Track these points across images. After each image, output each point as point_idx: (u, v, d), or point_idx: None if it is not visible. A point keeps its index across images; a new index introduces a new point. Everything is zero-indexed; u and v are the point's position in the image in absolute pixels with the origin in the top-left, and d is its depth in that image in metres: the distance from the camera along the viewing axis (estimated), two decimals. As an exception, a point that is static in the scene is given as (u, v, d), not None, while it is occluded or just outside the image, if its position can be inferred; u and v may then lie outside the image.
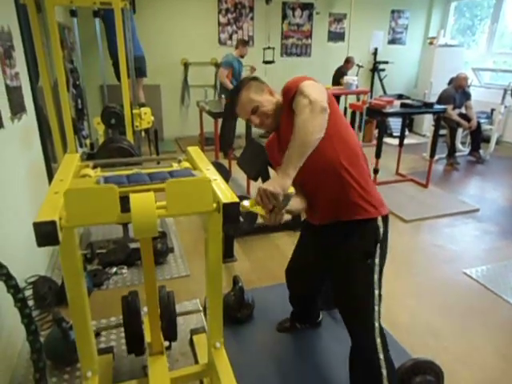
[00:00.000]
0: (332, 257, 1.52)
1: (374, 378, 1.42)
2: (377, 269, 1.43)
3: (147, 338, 1.64)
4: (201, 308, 2.25)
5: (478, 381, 1.83)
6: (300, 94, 1.29)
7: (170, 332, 1.60)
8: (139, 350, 1.59)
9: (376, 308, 1.44)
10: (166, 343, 1.64)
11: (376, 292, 1.44)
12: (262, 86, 1.51)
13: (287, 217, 1.41)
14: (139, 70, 4.96)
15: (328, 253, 1.54)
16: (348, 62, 6.32)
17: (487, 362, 1.94)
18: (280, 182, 1.20)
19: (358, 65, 6.62)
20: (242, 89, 1.49)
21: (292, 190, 1.24)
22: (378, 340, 1.43)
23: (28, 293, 1.98)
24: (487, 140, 5.47)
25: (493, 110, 5.98)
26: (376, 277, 1.44)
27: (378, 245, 1.43)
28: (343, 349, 1.61)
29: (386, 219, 1.46)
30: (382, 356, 1.42)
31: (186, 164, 1.47)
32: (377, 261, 1.43)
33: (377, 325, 1.44)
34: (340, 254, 1.49)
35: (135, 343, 1.54)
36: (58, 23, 3.01)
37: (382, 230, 1.44)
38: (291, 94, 1.35)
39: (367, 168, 1.49)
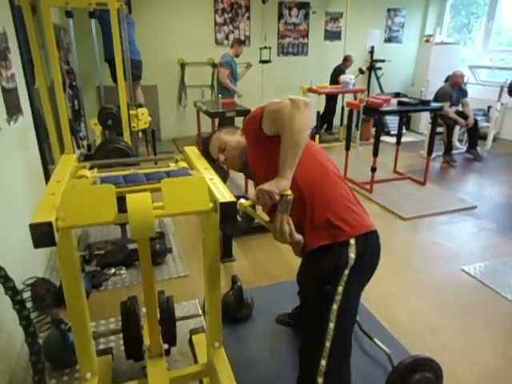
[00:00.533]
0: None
1: None
2: (338, 298, 1.26)
3: (146, 342, 1.64)
4: (200, 308, 2.25)
5: (477, 377, 1.83)
6: (270, 108, 1.30)
7: (169, 337, 1.59)
8: (138, 356, 1.59)
9: (327, 344, 1.26)
10: (166, 346, 1.63)
11: (331, 325, 1.26)
12: (236, 129, 1.62)
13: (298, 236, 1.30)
14: (135, 73, 5.01)
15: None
16: (347, 60, 6.32)
17: (486, 359, 1.94)
18: (276, 182, 1.22)
19: (360, 69, 6.62)
20: (214, 133, 1.63)
21: (291, 193, 1.23)
22: (320, 380, 1.27)
23: (26, 295, 1.97)
24: (484, 137, 5.48)
25: (489, 108, 6.00)
26: (335, 307, 1.26)
27: (346, 270, 1.27)
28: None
29: (365, 238, 1.30)
30: None
31: (183, 164, 1.47)
32: (340, 289, 1.26)
33: (323, 363, 1.26)
34: (301, 276, 1.50)
35: (134, 349, 1.53)
36: (53, 24, 3.01)
37: (351, 253, 1.27)
38: (257, 119, 1.35)
39: (339, 185, 1.37)
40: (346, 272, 1.27)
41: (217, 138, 1.58)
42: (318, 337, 1.27)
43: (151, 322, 1.58)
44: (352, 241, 1.28)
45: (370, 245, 1.33)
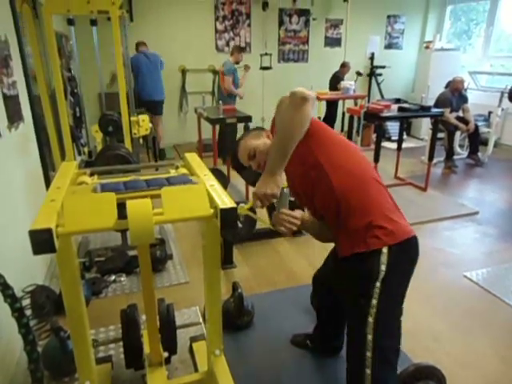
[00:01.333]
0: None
1: None
2: (372, 311, 1.24)
3: (146, 350, 1.63)
4: (200, 315, 2.23)
5: (477, 379, 1.81)
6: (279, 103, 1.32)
7: (169, 345, 1.58)
8: (138, 365, 1.57)
9: (368, 354, 1.26)
10: (166, 354, 1.62)
11: (369, 337, 1.25)
12: (261, 132, 1.52)
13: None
14: (154, 109, 5.22)
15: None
16: (344, 66, 6.34)
17: (488, 366, 1.92)
18: (269, 180, 1.25)
19: (357, 72, 6.64)
20: (240, 140, 1.53)
21: (286, 185, 1.28)
22: (368, 371, 1.27)
23: (25, 302, 1.96)
24: (485, 143, 5.48)
25: (490, 113, 6.01)
26: (371, 320, 1.24)
27: (377, 283, 1.23)
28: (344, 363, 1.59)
29: (399, 247, 1.24)
30: None
31: (184, 170, 1.47)
32: (374, 302, 1.23)
33: (368, 372, 1.26)
34: (338, 288, 1.48)
35: (134, 358, 1.52)
36: (55, 32, 3.03)
37: (382, 265, 1.22)
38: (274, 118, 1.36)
39: (378, 191, 1.33)
40: (378, 284, 1.23)
41: (244, 146, 1.50)
42: (359, 347, 1.28)
43: (151, 330, 1.57)
44: (384, 250, 1.23)
45: (404, 253, 1.27)
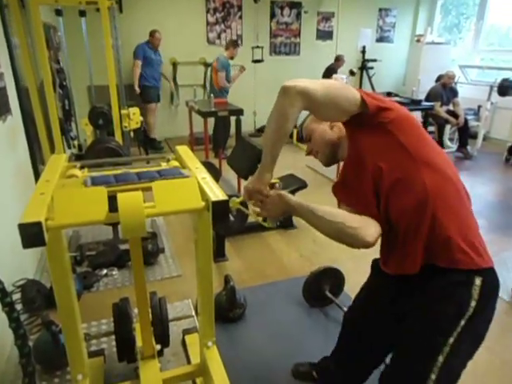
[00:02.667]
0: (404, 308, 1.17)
1: None
2: (446, 349, 1.05)
3: (139, 343, 1.63)
4: (192, 308, 2.24)
5: (468, 374, 1.82)
6: None
7: (162, 338, 1.57)
8: (130, 358, 1.56)
9: None
10: (158, 347, 1.62)
11: (432, 376, 1.06)
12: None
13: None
14: (144, 96, 5.41)
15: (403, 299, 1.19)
16: (338, 60, 6.34)
17: (476, 356, 1.93)
18: (258, 177, 1.21)
19: (350, 71, 6.63)
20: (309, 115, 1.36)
21: (278, 180, 1.28)
22: None
23: (16, 296, 1.94)
24: (474, 136, 5.54)
25: (479, 107, 6.07)
26: (441, 359, 1.05)
27: (463, 321, 1.04)
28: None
29: (492, 275, 1.08)
30: None
31: (175, 163, 1.46)
32: (451, 340, 1.05)
33: None
34: (410, 310, 1.15)
35: (126, 351, 1.51)
36: (43, 23, 2.97)
37: (472, 300, 1.04)
38: None
39: (468, 205, 1.16)
40: (462, 323, 1.04)
41: (306, 124, 1.36)
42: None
43: (143, 323, 1.57)
44: (477, 280, 1.04)
45: (495, 285, 1.10)
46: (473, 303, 1.04)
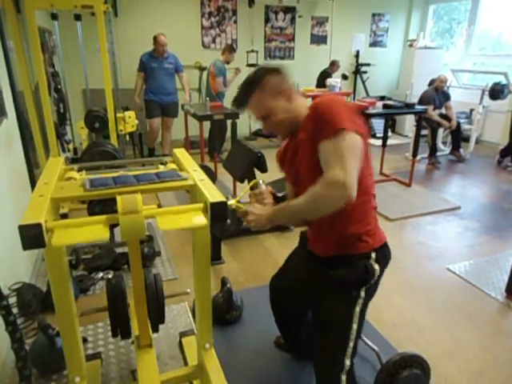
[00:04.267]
0: (319, 282, 1.42)
1: None
2: (360, 301, 1.34)
3: (135, 331, 1.61)
4: (189, 311, 2.24)
5: (464, 373, 1.87)
6: (337, 155, 1.13)
7: (157, 316, 1.49)
8: (125, 334, 1.49)
9: (350, 344, 1.33)
10: (155, 335, 1.60)
11: (354, 326, 1.33)
12: (281, 84, 1.31)
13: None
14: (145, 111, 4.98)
15: (317, 278, 1.43)
16: (334, 64, 6.41)
17: (471, 355, 1.99)
18: (267, 222, 1.29)
19: (343, 75, 6.67)
20: (256, 85, 1.29)
21: (256, 181, 1.38)
22: (343, 377, 1.35)
23: (12, 300, 1.93)
24: (467, 139, 5.62)
25: (472, 110, 6.15)
26: (358, 309, 1.34)
27: (372, 280, 1.34)
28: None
29: (382, 250, 1.37)
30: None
31: (173, 165, 1.47)
32: (362, 293, 1.34)
33: (347, 363, 1.35)
34: (326, 280, 1.38)
35: (121, 326, 1.45)
36: (38, 27, 2.98)
37: (375, 265, 1.33)
38: (326, 128, 1.17)
39: (374, 199, 1.38)
40: (372, 281, 1.34)
41: (257, 101, 1.32)
42: (344, 338, 1.33)
43: (140, 316, 1.54)
44: (373, 254, 1.33)
45: (386, 254, 1.40)
46: (376, 267, 1.32)
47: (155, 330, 1.47)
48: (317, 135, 1.19)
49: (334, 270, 1.36)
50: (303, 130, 1.28)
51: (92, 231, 0.99)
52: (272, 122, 1.33)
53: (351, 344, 1.34)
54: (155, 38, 4.68)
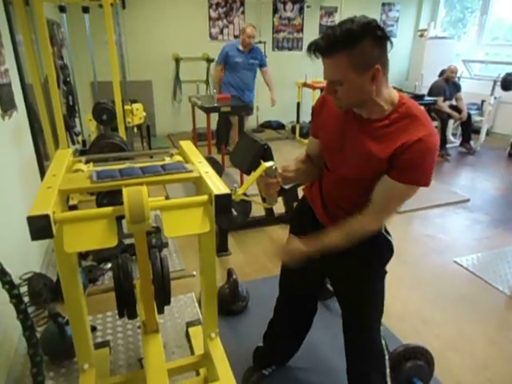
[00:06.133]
0: (340, 264, 1.35)
1: (378, 358, 1.43)
2: (384, 274, 1.40)
3: (141, 317, 1.63)
4: (196, 301, 2.27)
5: (469, 366, 1.87)
6: (389, 203, 1.17)
7: (163, 297, 1.48)
8: (131, 314, 1.50)
9: (382, 311, 1.43)
10: (161, 321, 1.61)
11: (380, 297, 1.41)
12: (377, 58, 1.03)
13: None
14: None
15: (334, 260, 1.33)
16: None
17: (477, 348, 1.99)
18: (303, 253, 1.25)
19: None
20: (347, 44, 1.00)
21: (272, 163, 1.25)
22: (383, 342, 1.44)
23: (23, 289, 1.98)
24: (478, 131, 5.53)
25: (483, 102, 6.04)
26: (384, 283, 1.40)
27: (392, 253, 1.38)
28: (338, 339, 1.64)
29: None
30: (384, 342, 1.44)
31: (178, 157, 1.49)
32: (387, 268, 1.39)
33: (381, 328, 1.44)
34: (353, 262, 1.32)
35: (127, 306, 1.47)
36: (47, 19, 2.99)
37: (390, 238, 1.36)
38: (409, 170, 1.09)
39: None
40: (393, 252, 1.38)
41: (337, 63, 1.06)
42: (382, 306, 1.41)
43: (147, 308, 1.57)
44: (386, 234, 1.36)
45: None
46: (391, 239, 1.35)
47: (161, 311, 1.48)
48: (396, 163, 1.08)
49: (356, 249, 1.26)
50: (380, 126, 1.12)
51: (101, 232, 1.02)
52: (339, 91, 1.10)
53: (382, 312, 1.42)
54: (243, 30, 4.47)
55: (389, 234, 1.36)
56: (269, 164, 1.23)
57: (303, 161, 1.40)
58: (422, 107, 1.17)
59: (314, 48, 1.07)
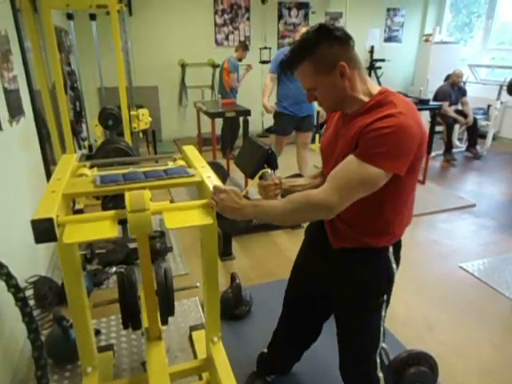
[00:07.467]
0: (338, 288, 1.33)
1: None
2: (384, 304, 1.28)
3: (144, 323, 1.64)
4: (199, 305, 2.28)
5: (473, 372, 1.85)
6: (348, 180, 1.04)
7: (166, 309, 1.50)
8: (135, 325, 1.51)
9: (383, 345, 1.35)
10: (164, 328, 1.62)
11: (381, 329, 1.32)
12: (339, 57, 1.07)
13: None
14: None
15: (333, 281, 1.33)
16: None
17: (482, 354, 1.96)
18: (238, 214, 1.10)
19: None
20: (307, 52, 1.07)
21: (269, 170, 1.30)
22: (381, 375, 1.38)
23: (29, 292, 2.00)
24: (484, 136, 5.49)
25: (489, 106, 6.01)
26: (383, 313, 1.29)
27: (392, 283, 1.28)
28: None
29: (396, 246, 1.27)
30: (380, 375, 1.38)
31: (181, 162, 1.50)
32: (385, 297, 1.27)
33: (378, 360, 1.36)
34: (347, 283, 1.28)
35: (131, 317, 1.48)
36: (54, 26, 3.05)
37: (393, 264, 1.26)
38: (368, 145, 1.03)
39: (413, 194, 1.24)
40: (393, 283, 1.28)
41: (304, 71, 1.12)
42: (377, 340, 1.32)
43: (150, 312, 1.58)
44: (391, 249, 1.24)
45: (399, 250, 1.30)
46: (394, 265, 1.25)
47: (164, 322, 1.50)
48: (359, 140, 1.05)
49: (354, 271, 1.25)
50: (357, 117, 1.10)
51: (100, 228, 1.02)
52: (316, 96, 1.15)
53: (384, 345, 1.36)
54: (298, 32, 3.96)
55: (396, 262, 1.27)
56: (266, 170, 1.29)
57: (315, 176, 1.41)
58: (410, 99, 1.13)
59: (283, 66, 1.16)
